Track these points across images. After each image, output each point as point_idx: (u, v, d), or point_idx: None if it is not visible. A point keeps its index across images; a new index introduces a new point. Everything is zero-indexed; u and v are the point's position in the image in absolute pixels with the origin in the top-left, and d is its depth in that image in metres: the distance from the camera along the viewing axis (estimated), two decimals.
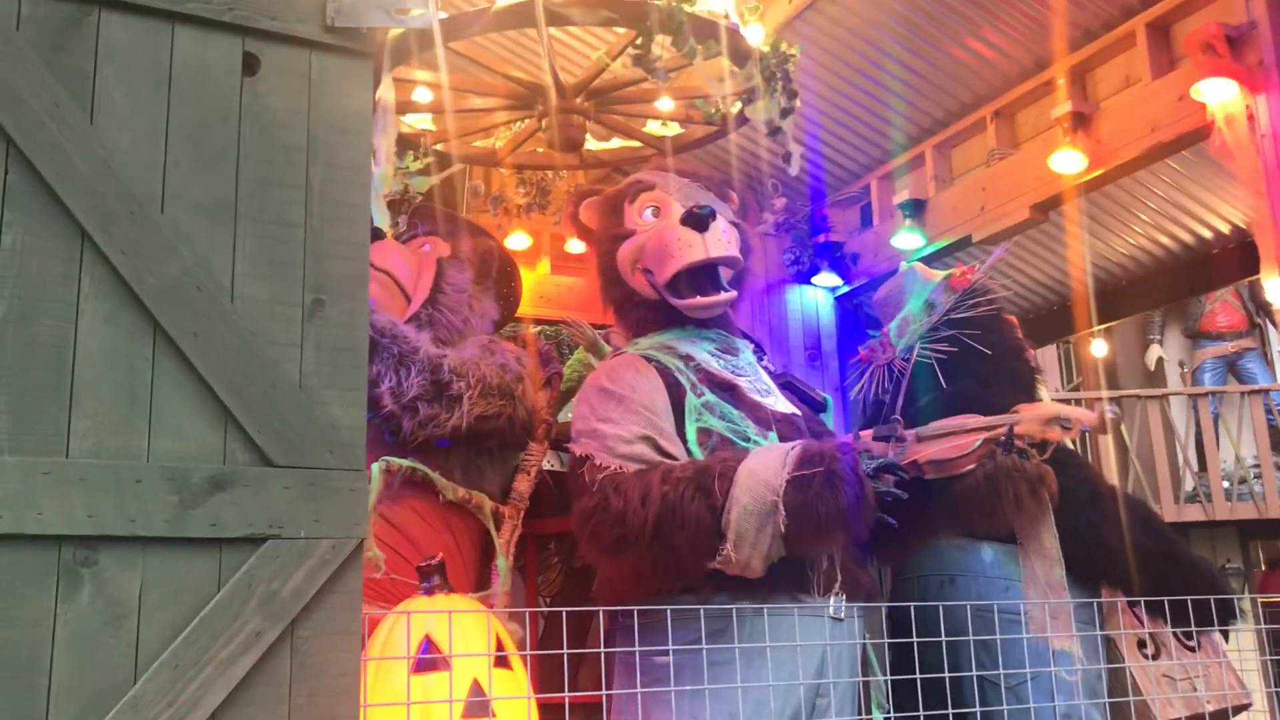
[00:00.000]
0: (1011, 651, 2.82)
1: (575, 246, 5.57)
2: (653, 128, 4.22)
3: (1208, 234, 6.41)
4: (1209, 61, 3.97)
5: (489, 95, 4.00)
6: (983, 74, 5.21)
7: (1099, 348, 8.18)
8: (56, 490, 1.55)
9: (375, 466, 2.96)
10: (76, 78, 1.65)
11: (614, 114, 4.05)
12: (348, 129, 1.81)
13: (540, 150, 4.46)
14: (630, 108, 4.07)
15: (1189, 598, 2.93)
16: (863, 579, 2.78)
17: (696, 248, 2.88)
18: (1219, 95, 4.00)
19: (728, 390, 2.83)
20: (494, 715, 2.41)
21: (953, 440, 2.79)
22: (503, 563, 3.24)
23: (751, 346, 3.14)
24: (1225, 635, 3.35)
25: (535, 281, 5.70)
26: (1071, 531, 3.00)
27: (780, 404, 2.95)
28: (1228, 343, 7.86)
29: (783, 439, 2.74)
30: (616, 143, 4.37)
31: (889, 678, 2.70)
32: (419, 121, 4.13)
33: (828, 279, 6.15)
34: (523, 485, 3.39)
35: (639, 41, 3.40)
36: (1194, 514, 6.33)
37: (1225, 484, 6.44)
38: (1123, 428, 6.16)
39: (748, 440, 2.71)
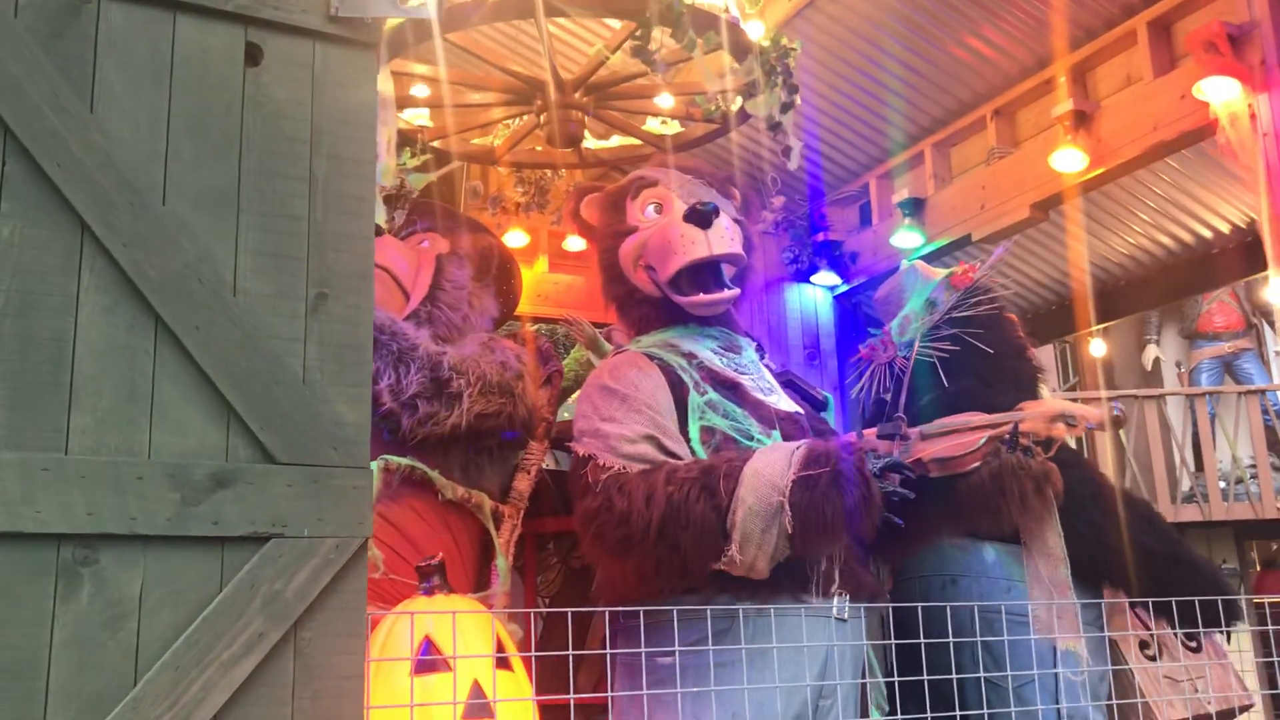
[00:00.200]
0: (1014, 653, 2.79)
1: (573, 244, 5.55)
2: (653, 125, 4.20)
3: (1208, 234, 6.40)
4: (1211, 60, 3.96)
5: (487, 90, 3.97)
6: (983, 72, 5.19)
7: (1097, 347, 8.18)
8: (55, 488, 1.52)
9: (374, 465, 2.93)
10: (76, 66, 1.62)
11: (613, 109, 4.02)
12: (352, 121, 1.78)
13: (539, 149, 4.43)
14: (630, 103, 4.04)
15: (1194, 599, 2.91)
16: (866, 579, 2.76)
17: (700, 244, 2.86)
18: (1221, 94, 3.99)
19: (731, 388, 2.81)
20: (495, 717, 2.39)
21: (957, 438, 2.77)
22: (502, 563, 3.21)
23: (754, 344, 3.12)
24: (1228, 636, 3.34)
25: (533, 280, 5.67)
26: (1074, 531, 2.98)
27: (783, 402, 2.93)
28: (1224, 343, 7.86)
29: (786, 438, 2.72)
30: (616, 141, 4.35)
31: (887, 679, 2.69)
32: (416, 118, 4.10)
33: (827, 278, 6.14)
34: (523, 484, 3.36)
35: (638, 34, 3.38)
36: (1190, 514, 6.32)
37: (1222, 484, 6.44)
38: (1121, 431, 6.16)
39: (751, 439, 2.69)
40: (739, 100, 3.79)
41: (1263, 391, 6.81)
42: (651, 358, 2.80)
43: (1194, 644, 3.21)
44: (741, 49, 3.47)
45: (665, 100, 3.97)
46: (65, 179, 1.58)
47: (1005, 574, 3.04)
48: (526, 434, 3.37)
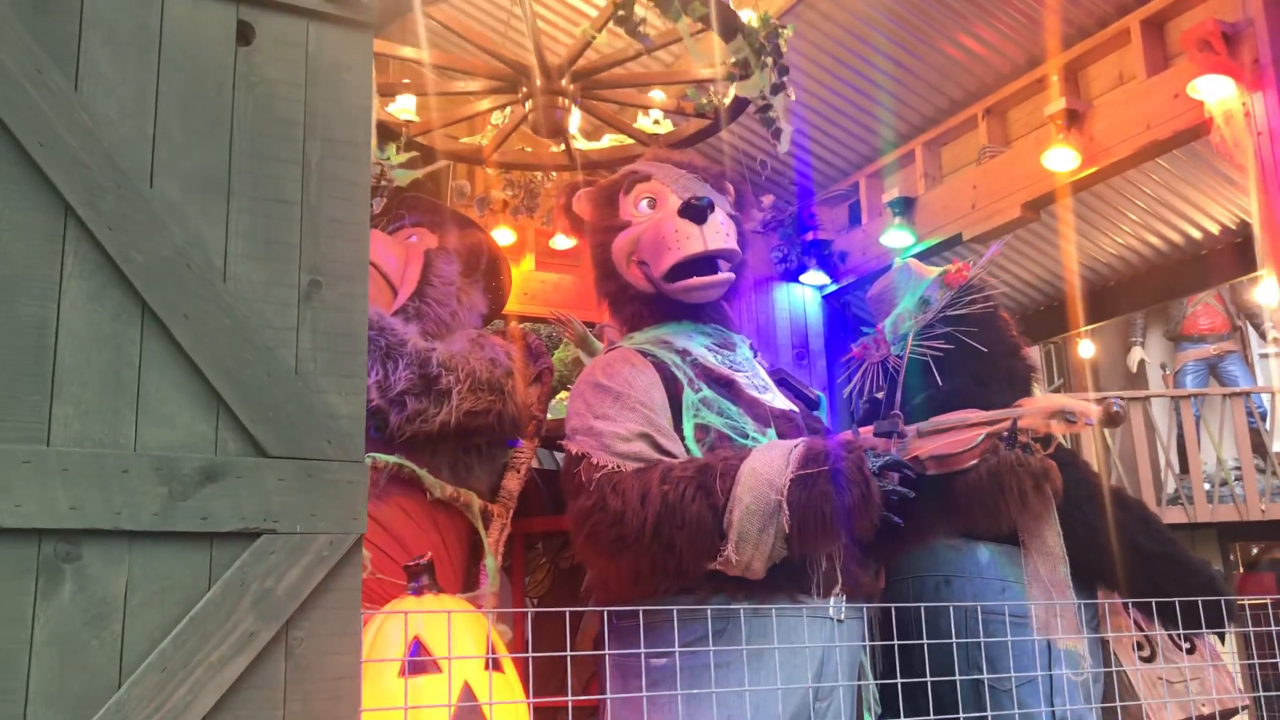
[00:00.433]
0: (1010, 654, 2.76)
1: (560, 243, 5.51)
2: (645, 124, 4.15)
3: (1197, 234, 6.41)
4: (1206, 59, 3.96)
5: (471, 74, 3.90)
6: (974, 71, 5.18)
7: (1086, 349, 8.19)
8: (37, 481, 1.45)
9: None
10: (59, 41, 1.55)
11: (601, 98, 3.96)
12: (347, 103, 1.72)
13: (528, 149, 4.38)
14: (618, 94, 3.98)
15: (1188, 600, 2.88)
16: (863, 580, 2.73)
17: (695, 240, 2.82)
18: (1216, 93, 3.99)
19: (725, 386, 2.78)
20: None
21: (955, 435, 2.73)
22: (491, 562, 3.17)
23: (748, 342, 3.08)
24: (1221, 638, 3.32)
25: (520, 278, 5.62)
26: (1070, 531, 2.96)
27: (778, 400, 2.91)
28: (1209, 345, 7.87)
29: (781, 436, 2.69)
30: (608, 141, 4.30)
31: (880, 681, 2.65)
32: (401, 112, 4.04)
33: (816, 277, 6.12)
34: (512, 483, 3.31)
35: (621, 8, 3.31)
36: (1175, 516, 6.34)
37: (1206, 486, 6.45)
38: (1105, 432, 6.16)
39: (746, 437, 2.65)
40: (731, 93, 3.74)
41: (1247, 394, 6.84)
42: (645, 354, 2.77)
43: (1187, 645, 3.19)
44: (730, 27, 3.42)
45: (655, 95, 3.93)
46: (48, 159, 1.51)
47: (1000, 574, 3.01)
48: (516, 432, 3.32)
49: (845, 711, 2.61)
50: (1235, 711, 3.22)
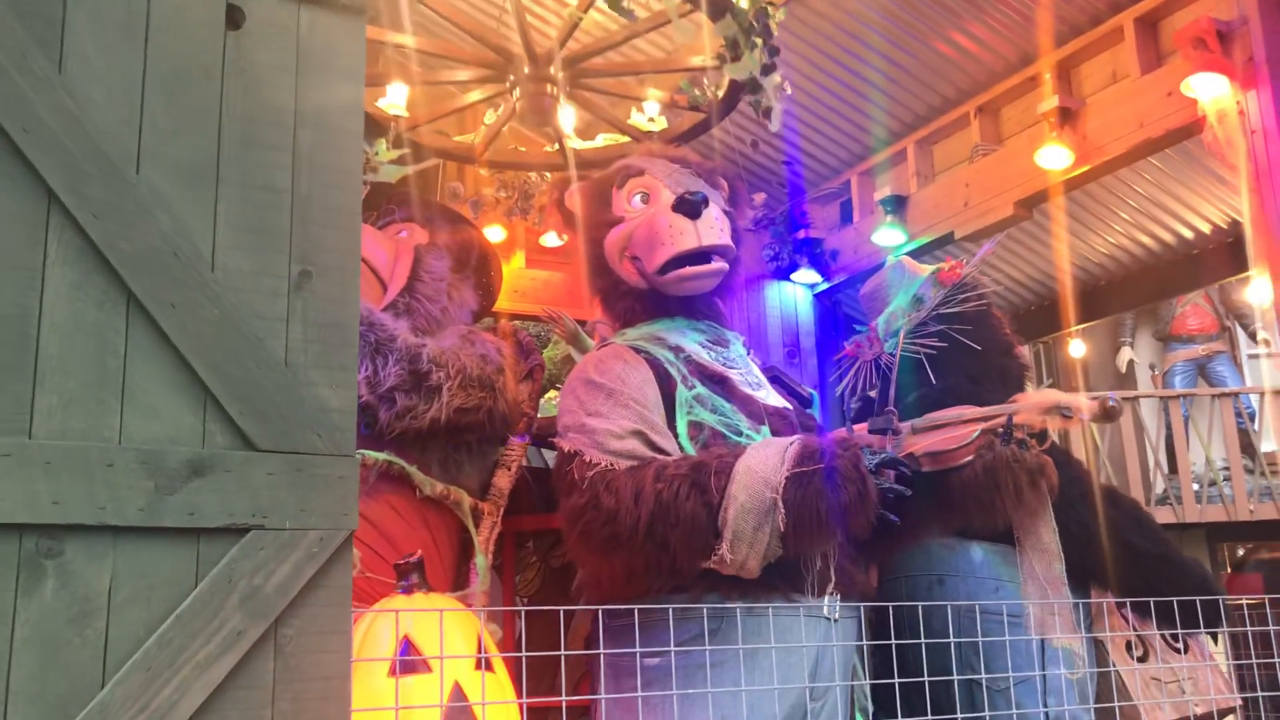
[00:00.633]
0: (1004, 653, 2.74)
1: (550, 241, 5.47)
2: (638, 121, 4.11)
3: (1189, 234, 6.41)
4: (1200, 56, 3.94)
5: (458, 61, 3.85)
6: (967, 68, 5.16)
7: (1076, 348, 8.18)
8: (18, 474, 1.41)
9: None
10: (43, 23, 1.51)
11: (591, 88, 3.91)
12: (339, 89, 1.68)
13: (522, 149, 4.34)
14: (607, 83, 3.93)
15: (1183, 599, 2.87)
16: (858, 579, 2.71)
17: (689, 235, 2.79)
18: (1210, 91, 3.98)
19: (719, 383, 2.75)
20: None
21: (950, 431, 2.71)
22: (481, 561, 3.14)
23: (741, 339, 3.06)
24: (1214, 638, 3.31)
25: (510, 276, 5.57)
26: (1064, 530, 2.94)
27: (772, 398, 2.89)
28: (1198, 346, 7.88)
29: (775, 433, 2.67)
30: (601, 140, 4.26)
31: (873, 681, 2.63)
32: (391, 107, 3.99)
33: (807, 275, 6.09)
34: (503, 481, 3.29)
35: None
36: (1164, 516, 6.32)
37: (1195, 486, 6.44)
38: (1093, 428, 6.15)
39: (740, 434, 2.63)
40: (724, 83, 3.70)
41: (1236, 394, 6.83)
42: (638, 351, 2.74)
43: (1179, 645, 3.18)
44: (719, 7, 3.38)
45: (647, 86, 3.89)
46: (31, 144, 1.47)
47: (993, 573, 3.00)
48: (506, 429, 3.29)
49: (841, 711, 2.59)
50: (1230, 711, 3.21)
